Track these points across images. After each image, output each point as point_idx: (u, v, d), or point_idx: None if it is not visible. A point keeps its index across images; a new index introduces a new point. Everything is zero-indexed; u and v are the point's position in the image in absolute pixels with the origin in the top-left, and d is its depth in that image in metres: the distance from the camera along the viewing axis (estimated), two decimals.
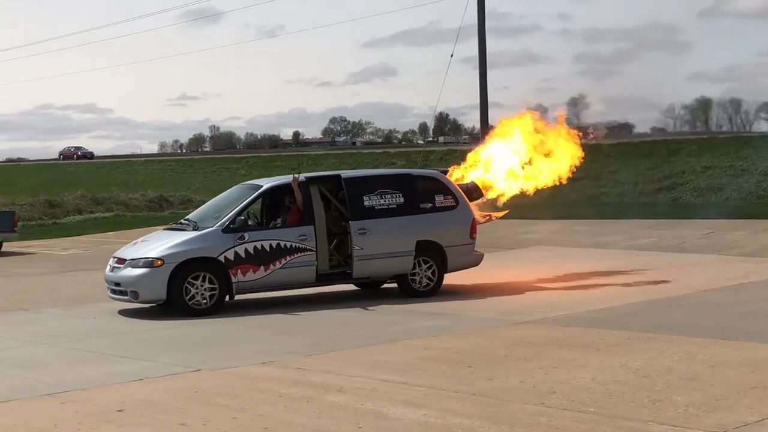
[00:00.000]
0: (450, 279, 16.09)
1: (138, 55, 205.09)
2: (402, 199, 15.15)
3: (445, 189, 15.59)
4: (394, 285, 15.43)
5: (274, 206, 15.23)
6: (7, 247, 27.80)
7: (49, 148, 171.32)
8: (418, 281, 15.15)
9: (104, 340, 12.20)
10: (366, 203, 14.91)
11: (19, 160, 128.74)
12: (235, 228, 14.20)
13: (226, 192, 16.33)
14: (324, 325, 12.83)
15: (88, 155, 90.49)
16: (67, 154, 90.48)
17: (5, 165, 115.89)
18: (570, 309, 13.30)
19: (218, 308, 13.97)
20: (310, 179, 15.06)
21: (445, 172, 16.28)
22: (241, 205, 14.57)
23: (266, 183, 15.30)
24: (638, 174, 36.82)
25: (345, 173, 15.60)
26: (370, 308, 14.13)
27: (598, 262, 19.05)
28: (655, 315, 12.67)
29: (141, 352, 11.21)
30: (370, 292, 15.67)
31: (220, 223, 14.28)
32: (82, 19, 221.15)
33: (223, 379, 9.40)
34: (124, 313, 14.29)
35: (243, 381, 9.25)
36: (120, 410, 8.17)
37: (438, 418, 7.55)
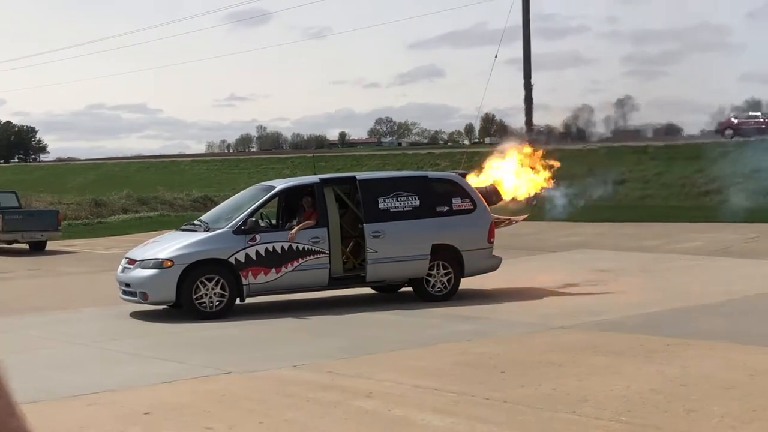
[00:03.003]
0: (488, 282, 15.92)
1: (187, 55, 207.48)
2: (418, 202, 14.90)
3: (463, 192, 15.32)
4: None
5: (291, 208, 15.09)
6: (51, 245, 28.07)
7: (99, 148, 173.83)
8: (433, 285, 14.92)
9: (139, 341, 12.19)
10: (381, 206, 14.70)
11: (69, 159, 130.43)
12: (246, 229, 14.02)
13: (240, 193, 16.24)
14: (359, 328, 12.71)
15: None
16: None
17: (55, 164, 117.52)
18: (609, 314, 13.06)
19: (228, 311, 13.83)
20: (324, 181, 14.90)
21: (464, 175, 16.04)
22: (254, 206, 14.43)
23: (280, 184, 15.17)
24: (685, 177, 36.30)
25: (360, 175, 15.42)
26: (406, 311, 13.97)
27: (640, 265, 18.74)
28: (697, 321, 12.38)
29: (174, 354, 11.17)
30: (406, 295, 15.49)
31: (231, 224, 14.13)
32: (132, 19, 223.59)
33: (253, 382, 9.32)
34: (160, 313, 14.28)
35: (272, 384, 9.16)
36: (147, 413, 8.12)
37: (466, 425, 7.40)
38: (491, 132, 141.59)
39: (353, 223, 14.88)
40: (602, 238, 24.31)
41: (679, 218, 26.87)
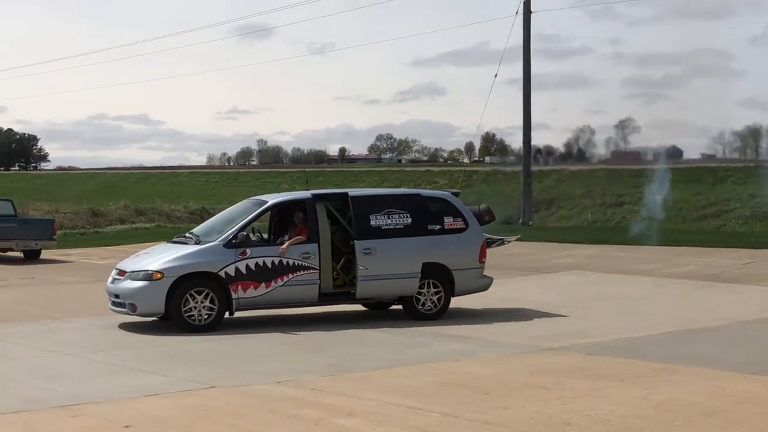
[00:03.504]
0: (479, 301, 15.91)
1: (190, 68, 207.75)
2: (410, 220, 14.90)
3: (455, 211, 15.30)
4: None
5: (283, 222, 15.09)
6: (46, 254, 28.08)
7: (100, 158, 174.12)
8: (423, 303, 14.90)
9: (127, 352, 12.17)
10: (372, 223, 14.70)
11: (70, 168, 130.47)
12: (237, 243, 14.01)
13: (233, 206, 16.25)
14: (347, 345, 12.68)
15: None
16: None
17: (55, 173, 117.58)
18: (598, 337, 13.05)
19: (217, 325, 13.81)
20: (316, 197, 14.89)
21: (457, 194, 16.04)
22: (245, 220, 14.40)
23: (272, 199, 15.17)
24: (682, 200, 36.39)
25: (353, 191, 15.43)
26: (396, 329, 13.95)
27: (632, 289, 18.74)
28: (685, 346, 12.36)
29: (160, 366, 11.14)
30: (397, 313, 15.46)
31: (222, 237, 14.12)
32: (136, 31, 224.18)
33: (236, 397, 9.30)
34: (149, 325, 14.26)
35: (255, 400, 9.14)
36: (127, 426, 8.10)
37: None
38: (491, 151, 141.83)
39: (345, 239, 14.86)
40: (596, 260, 24.29)
41: (676, 241, 26.84)
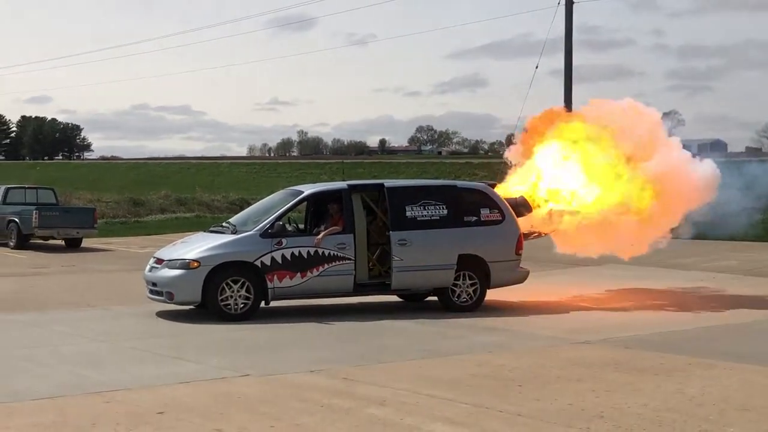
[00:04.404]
0: (515, 294, 15.82)
1: (232, 59, 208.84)
2: (445, 211, 14.85)
3: (492, 203, 15.22)
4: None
5: (318, 213, 15.11)
6: (87, 243, 28.42)
7: (142, 147, 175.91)
8: (458, 295, 14.85)
9: (162, 340, 12.27)
10: (408, 214, 14.66)
11: (112, 158, 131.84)
12: (273, 233, 14.06)
13: (269, 196, 16.29)
14: (381, 336, 12.69)
15: None
16: None
17: (98, 162, 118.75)
18: (635, 330, 12.93)
19: (252, 313, 13.88)
20: (352, 187, 14.90)
21: (493, 186, 15.95)
22: (281, 210, 14.44)
23: (308, 189, 15.21)
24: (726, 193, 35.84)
25: (389, 182, 15.39)
26: (430, 321, 13.93)
27: (672, 282, 18.56)
28: (722, 341, 12.22)
29: (195, 354, 11.22)
30: (433, 304, 15.43)
31: (258, 227, 14.18)
32: (178, 22, 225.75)
33: (269, 385, 9.34)
34: (186, 313, 14.36)
35: (288, 388, 9.17)
36: (160, 412, 8.17)
37: None
38: None
39: (380, 230, 14.86)
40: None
41: (716, 236, 26.49)
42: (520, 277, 15.47)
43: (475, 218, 15.01)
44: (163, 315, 14.30)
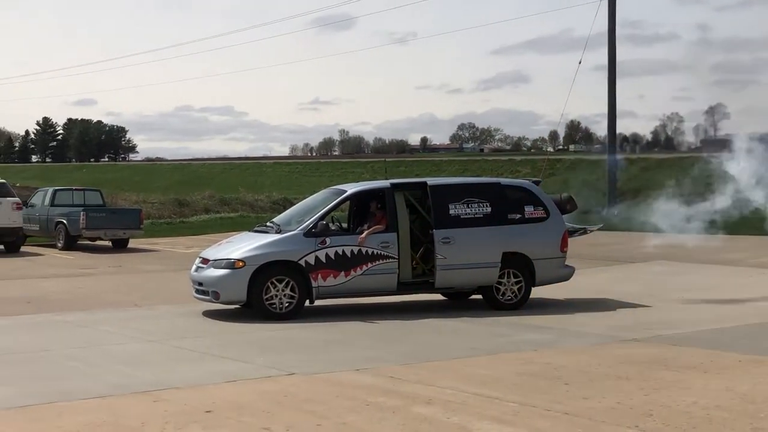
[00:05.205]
0: (561, 292, 15.73)
1: (273, 59, 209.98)
2: (489, 209, 14.79)
3: (536, 200, 15.13)
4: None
5: (361, 212, 15.12)
6: (133, 243, 28.71)
7: (186, 148, 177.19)
8: (503, 293, 14.79)
9: (208, 339, 12.35)
10: (451, 212, 14.63)
11: (157, 159, 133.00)
12: (317, 232, 14.10)
13: (312, 196, 16.33)
14: (425, 334, 12.67)
15: None
16: None
17: (143, 164, 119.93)
18: (683, 328, 12.80)
19: (297, 312, 13.93)
20: (395, 186, 14.88)
21: (538, 183, 15.85)
22: (324, 209, 14.48)
23: (351, 188, 15.22)
24: None
25: (432, 180, 15.36)
26: (475, 319, 13.89)
27: (719, 279, 18.35)
28: None
29: (241, 353, 11.29)
30: (478, 303, 15.39)
31: (302, 227, 14.23)
32: (219, 23, 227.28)
33: (315, 384, 9.36)
34: (231, 312, 14.45)
35: (334, 387, 9.19)
36: (209, 411, 8.22)
37: None
38: (576, 139, 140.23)
39: (424, 228, 14.83)
40: (683, 250, 23.77)
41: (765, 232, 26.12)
42: (566, 275, 15.37)
43: (519, 216, 14.94)
44: (209, 314, 14.40)
